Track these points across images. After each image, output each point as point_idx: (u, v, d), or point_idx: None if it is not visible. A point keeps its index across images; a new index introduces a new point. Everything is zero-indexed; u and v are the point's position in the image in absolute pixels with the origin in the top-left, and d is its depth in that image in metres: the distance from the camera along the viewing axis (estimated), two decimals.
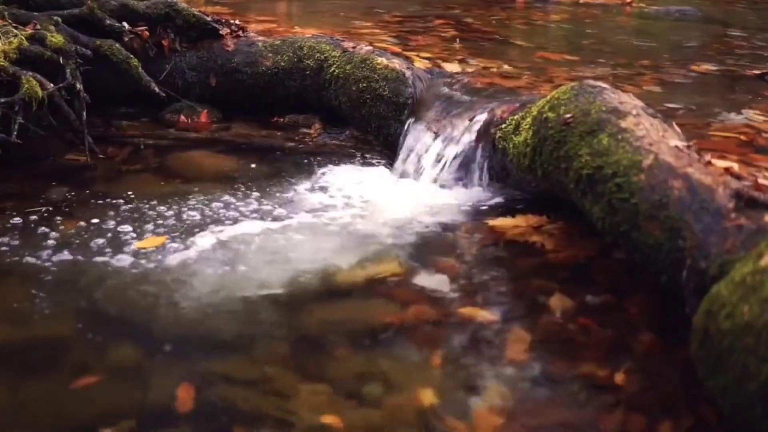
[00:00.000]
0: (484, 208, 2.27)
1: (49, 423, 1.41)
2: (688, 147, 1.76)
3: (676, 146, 1.74)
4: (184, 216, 2.16)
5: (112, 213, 2.17)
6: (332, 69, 2.83)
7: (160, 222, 2.12)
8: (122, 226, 2.09)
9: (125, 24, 2.85)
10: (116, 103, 2.91)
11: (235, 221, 2.14)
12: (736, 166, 1.71)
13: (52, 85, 2.46)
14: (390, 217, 2.21)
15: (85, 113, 2.55)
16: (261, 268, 1.91)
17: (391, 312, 1.76)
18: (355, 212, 2.23)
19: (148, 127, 2.87)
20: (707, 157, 1.71)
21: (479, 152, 2.35)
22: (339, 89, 2.80)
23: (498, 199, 2.31)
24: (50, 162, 2.55)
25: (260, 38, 3.02)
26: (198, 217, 2.16)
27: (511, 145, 2.18)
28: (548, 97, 2.07)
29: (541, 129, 2.00)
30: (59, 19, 2.70)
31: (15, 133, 2.33)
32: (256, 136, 2.84)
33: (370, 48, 2.86)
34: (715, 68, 3.36)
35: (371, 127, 2.72)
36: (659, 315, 1.71)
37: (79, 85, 2.55)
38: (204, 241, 2.02)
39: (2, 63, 2.40)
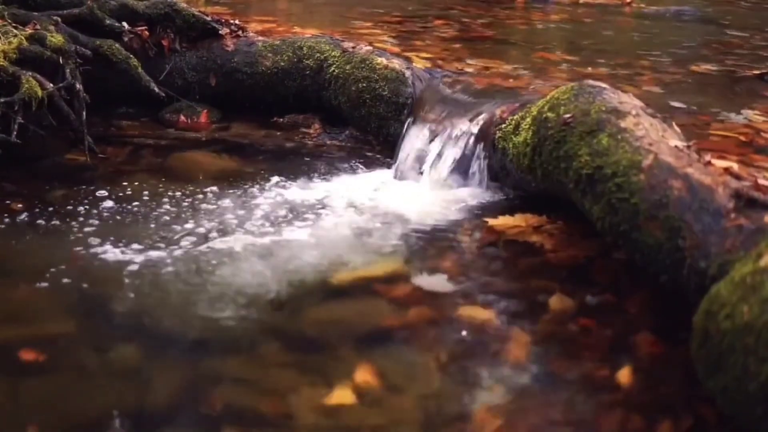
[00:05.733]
0: (484, 207, 2.26)
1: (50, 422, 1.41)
2: (688, 147, 1.76)
3: (676, 146, 1.74)
4: (184, 216, 2.16)
5: (111, 213, 2.17)
6: (332, 69, 2.83)
7: (160, 221, 2.12)
8: (122, 226, 2.09)
9: (125, 24, 2.85)
10: (116, 102, 2.91)
11: (235, 221, 2.14)
12: (735, 166, 1.71)
13: (51, 85, 2.46)
14: (389, 217, 2.21)
15: (84, 113, 2.54)
16: (260, 267, 1.91)
17: (391, 312, 1.76)
18: (354, 212, 2.23)
19: (147, 127, 2.86)
20: (707, 157, 1.71)
21: (479, 152, 2.35)
22: (339, 89, 2.80)
23: (498, 199, 2.31)
24: (50, 162, 2.55)
25: (260, 38, 3.02)
26: (197, 216, 2.16)
27: (510, 145, 2.18)
28: (548, 97, 2.07)
29: (541, 129, 2.00)
30: (59, 19, 2.70)
31: (15, 133, 2.33)
32: (256, 136, 2.84)
33: (369, 48, 2.86)
34: (715, 68, 3.36)
35: (371, 127, 2.72)
36: (659, 315, 1.71)
37: (78, 85, 2.55)
38: (203, 240, 2.02)
39: (2, 63, 2.40)
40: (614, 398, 1.47)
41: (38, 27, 2.62)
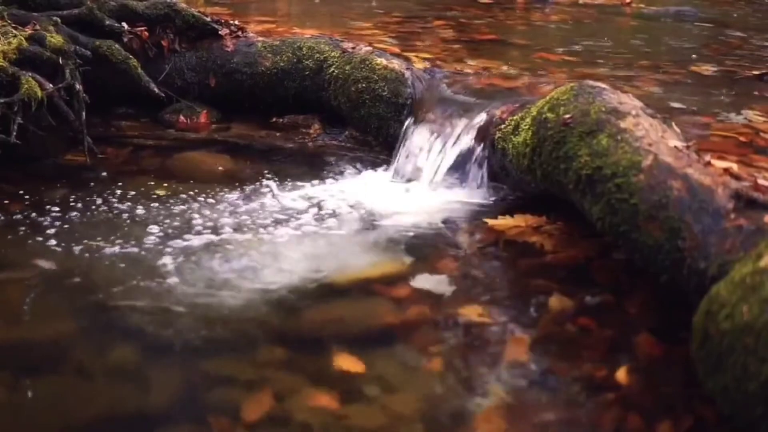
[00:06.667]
0: (484, 208, 2.27)
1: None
2: (688, 147, 1.76)
3: (676, 146, 1.74)
4: (184, 216, 2.16)
5: (111, 213, 2.17)
6: (331, 69, 2.83)
7: (160, 222, 2.12)
8: (122, 226, 2.09)
9: (125, 24, 2.85)
10: (116, 103, 2.91)
11: (235, 221, 2.14)
12: (735, 167, 1.71)
13: (51, 85, 2.46)
14: (389, 217, 2.21)
15: (84, 113, 2.54)
16: (259, 268, 1.91)
17: (391, 312, 1.76)
18: (354, 212, 2.23)
19: (147, 128, 2.86)
20: (707, 157, 1.71)
21: (478, 153, 2.35)
22: (338, 90, 2.80)
23: (497, 200, 2.31)
24: (49, 162, 2.55)
25: (259, 39, 3.01)
26: (197, 217, 2.16)
27: (510, 146, 2.18)
28: (547, 98, 2.07)
29: (541, 129, 2.00)
30: (58, 20, 2.70)
31: (14, 133, 2.33)
32: (256, 136, 2.84)
33: (369, 48, 2.86)
34: (714, 68, 3.36)
35: (370, 127, 2.72)
36: (659, 315, 1.71)
37: (78, 86, 2.55)
38: (203, 241, 2.02)
39: (2, 63, 2.40)
40: (614, 398, 1.47)
41: (38, 27, 2.61)
